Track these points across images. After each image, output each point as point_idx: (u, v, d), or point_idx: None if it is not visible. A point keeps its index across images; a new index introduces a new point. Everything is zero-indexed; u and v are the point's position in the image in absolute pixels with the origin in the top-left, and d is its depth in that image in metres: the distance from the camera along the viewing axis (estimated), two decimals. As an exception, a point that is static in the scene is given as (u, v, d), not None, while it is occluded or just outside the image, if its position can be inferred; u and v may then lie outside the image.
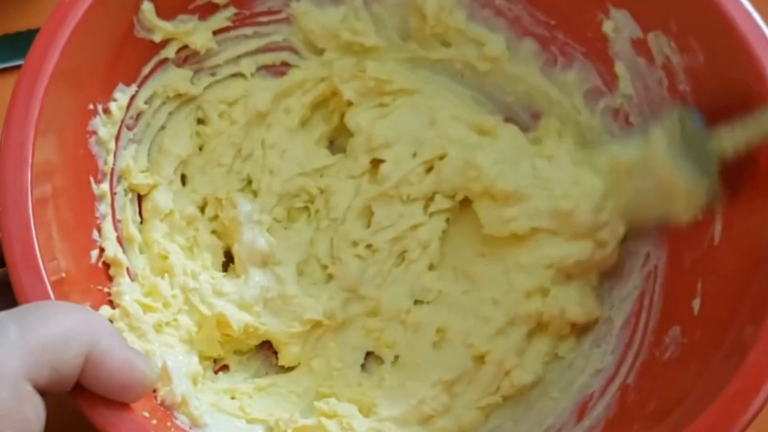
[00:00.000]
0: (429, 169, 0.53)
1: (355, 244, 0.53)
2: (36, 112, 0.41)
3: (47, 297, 0.39)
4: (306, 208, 0.55)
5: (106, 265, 0.47)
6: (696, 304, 0.45)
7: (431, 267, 0.53)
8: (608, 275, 0.51)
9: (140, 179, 0.50)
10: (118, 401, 0.38)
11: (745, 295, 0.41)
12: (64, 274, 0.42)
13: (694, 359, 0.43)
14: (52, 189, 0.42)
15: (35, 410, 0.34)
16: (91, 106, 0.46)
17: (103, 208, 0.48)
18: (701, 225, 0.46)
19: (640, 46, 0.48)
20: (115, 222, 0.49)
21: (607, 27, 0.49)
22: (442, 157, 0.52)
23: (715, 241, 0.45)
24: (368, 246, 0.53)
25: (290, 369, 0.53)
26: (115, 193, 0.49)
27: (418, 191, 0.53)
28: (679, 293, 0.47)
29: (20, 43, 0.60)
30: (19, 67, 0.57)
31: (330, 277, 0.53)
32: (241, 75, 0.55)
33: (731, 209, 0.44)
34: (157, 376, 0.40)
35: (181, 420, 0.44)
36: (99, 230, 0.47)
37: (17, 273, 0.39)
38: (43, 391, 0.34)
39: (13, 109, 0.41)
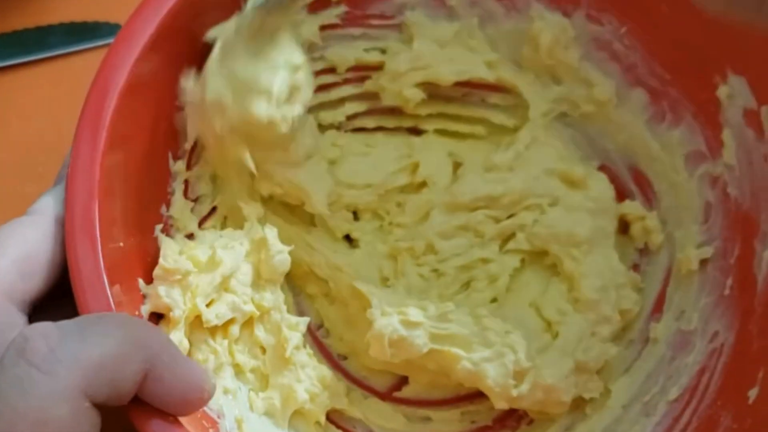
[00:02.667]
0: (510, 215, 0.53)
1: (420, 264, 0.53)
2: (123, 78, 0.41)
3: (98, 267, 0.38)
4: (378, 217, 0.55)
5: None
6: (753, 393, 0.43)
7: (494, 300, 0.53)
8: (671, 346, 0.49)
9: None
10: (172, 415, 0.38)
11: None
12: (122, 244, 0.42)
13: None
14: (125, 158, 0.42)
15: (91, 426, 0.34)
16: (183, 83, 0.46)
17: (176, 185, 0.47)
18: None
19: (751, 117, 0.46)
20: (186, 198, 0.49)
21: (722, 92, 0.47)
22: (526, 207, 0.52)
23: (787, 332, 0.43)
24: (434, 270, 0.53)
25: None
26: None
27: (493, 231, 0.53)
28: (738, 378, 0.45)
29: (18, 42, 0.61)
30: (16, 66, 0.60)
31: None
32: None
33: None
34: (215, 389, 0.39)
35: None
36: (168, 205, 0.47)
37: (73, 237, 0.39)
38: (99, 406, 0.34)
39: (101, 73, 0.41)
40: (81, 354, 0.33)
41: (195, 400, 0.37)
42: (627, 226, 0.53)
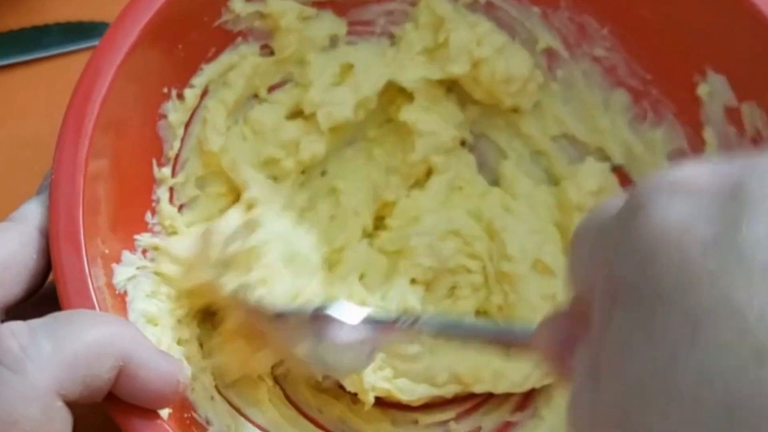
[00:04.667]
0: None
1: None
2: (104, 87, 0.41)
3: (82, 269, 0.38)
4: None
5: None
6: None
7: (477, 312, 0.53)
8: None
9: None
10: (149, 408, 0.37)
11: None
12: (107, 251, 0.42)
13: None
14: (109, 166, 0.42)
15: (64, 426, 0.33)
16: (165, 90, 0.46)
17: (161, 192, 0.47)
18: None
19: (732, 115, 0.46)
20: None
21: (702, 90, 0.47)
22: None
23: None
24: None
25: None
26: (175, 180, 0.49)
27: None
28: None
29: (14, 42, 0.60)
30: (11, 65, 0.60)
31: None
32: None
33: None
34: (189, 380, 0.39)
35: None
36: (153, 213, 0.47)
37: (57, 244, 0.38)
38: (72, 404, 0.34)
39: (82, 81, 0.41)
40: (52, 352, 0.33)
41: (169, 394, 0.37)
42: None
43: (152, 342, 0.38)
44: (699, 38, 0.47)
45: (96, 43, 0.60)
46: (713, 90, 0.47)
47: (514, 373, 0.49)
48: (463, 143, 0.55)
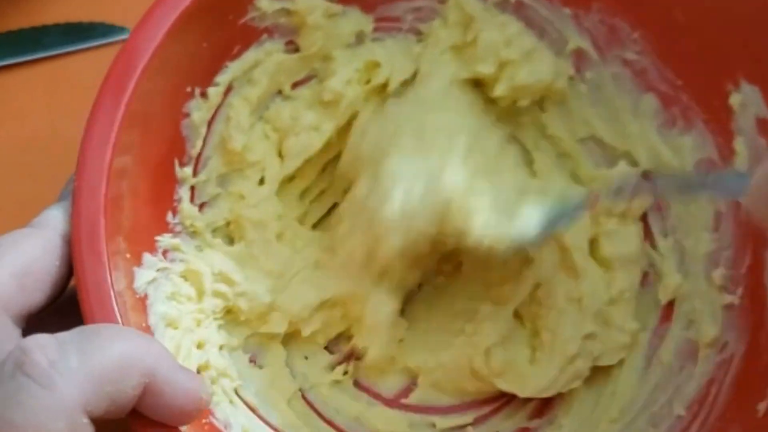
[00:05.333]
0: None
1: None
2: (130, 88, 0.41)
3: (105, 279, 0.38)
4: None
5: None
6: (762, 407, 0.42)
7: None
8: (679, 356, 0.49)
9: None
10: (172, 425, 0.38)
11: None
12: (128, 255, 0.42)
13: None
14: (132, 166, 0.42)
15: None
16: (189, 89, 0.46)
17: (183, 191, 0.48)
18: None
19: (764, 126, 0.45)
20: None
21: (735, 100, 0.46)
22: None
23: (798, 345, 0.43)
24: None
25: None
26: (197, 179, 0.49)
27: None
28: (748, 391, 0.44)
29: (14, 42, 0.60)
30: (11, 66, 0.59)
31: None
32: None
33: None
34: (211, 397, 0.40)
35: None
36: (174, 213, 0.47)
37: (80, 253, 0.38)
38: (96, 420, 0.34)
39: (108, 81, 0.41)
40: (80, 367, 0.33)
41: (193, 410, 0.37)
42: None
43: (175, 358, 0.38)
44: (733, 46, 0.46)
45: (96, 43, 0.61)
46: (746, 100, 0.46)
47: (539, 378, 0.49)
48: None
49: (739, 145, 0.47)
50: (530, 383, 0.50)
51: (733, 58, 0.46)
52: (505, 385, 0.50)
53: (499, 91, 0.52)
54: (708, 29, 0.46)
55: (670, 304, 0.50)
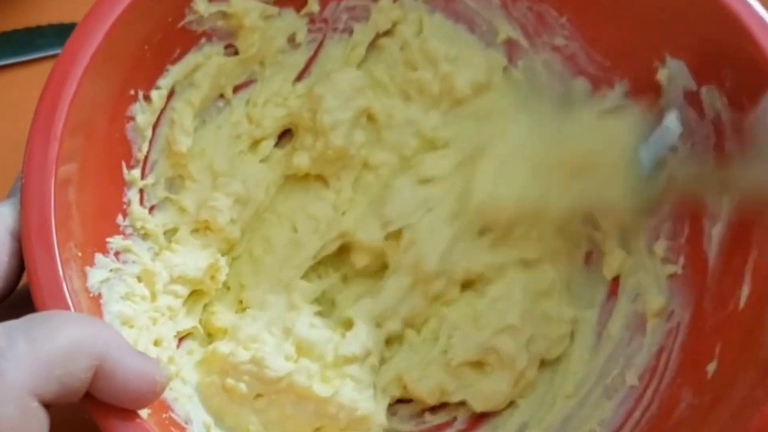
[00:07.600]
0: None
1: None
2: (71, 91, 0.41)
3: (56, 271, 0.38)
4: None
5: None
6: (711, 368, 0.44)
7: None
8: (628, 328, 0.50)
9: None
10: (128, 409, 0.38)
11: (759, 361, 0.41)
12: (80, 254, 0.42)
13: (702, 423, 0.42)
14: (78, 169, 0.42)
15: (40, 426, 0.33)
16: (132, 92, 0.46)
17: (132, 194, 0.48)
18: (729, 288, 0.45)
19: (692, 98, 0.47)
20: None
21: (662, 75, 0.48)
22: None
23: (740, 306, 0.44)
24: None
25: None
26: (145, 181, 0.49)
27: None
28: (696, 355, 0.45)
29: (8, 43, 0.60)
30: (5, 66, 0.59)
31: None
32: None
33: (761, 276, 0.43)
34: (168, 380, 0.40)
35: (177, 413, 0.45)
36: (124, 215, 0.47)
37: (31, 247, 0.39)
38: (48, 405, 0.34)
39: (49, 86, 0.41)
40: (28, 353, 0.33)
41: (148, 393, 0.37)
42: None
43: (129, 342, 0.38)
44: (656, 24, 0.47)
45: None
46: (672, 74, 0.48)
47: (495, 396, 0.50)
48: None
49: (669, 118, 0.48)
50: (484, 403, 0.51)
51: (657, 34, 0.47)
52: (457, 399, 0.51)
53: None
54: (632, 7, 0.48)
55: (616, 280, 0.51)
